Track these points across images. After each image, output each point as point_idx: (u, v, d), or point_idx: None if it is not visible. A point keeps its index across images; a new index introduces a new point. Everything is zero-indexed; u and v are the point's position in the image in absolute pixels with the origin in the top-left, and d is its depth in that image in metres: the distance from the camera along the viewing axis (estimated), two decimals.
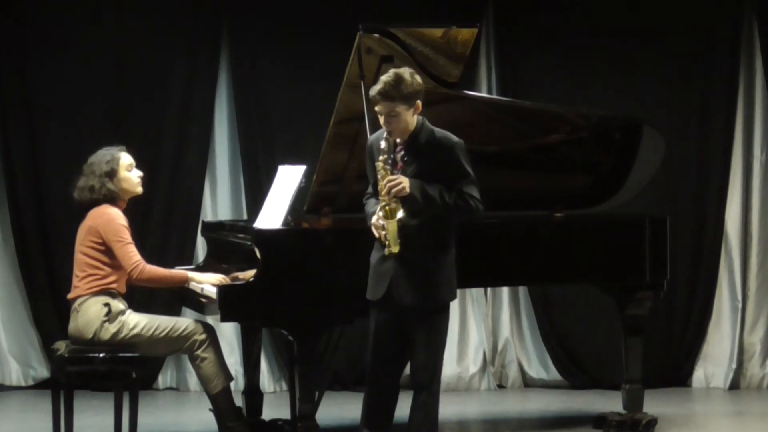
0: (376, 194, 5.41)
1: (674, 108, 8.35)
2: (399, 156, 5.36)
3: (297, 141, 7.94)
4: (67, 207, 8.01)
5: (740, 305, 8.36)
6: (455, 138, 5.36)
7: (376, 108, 5.29)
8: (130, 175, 6.14)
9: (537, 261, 6.50)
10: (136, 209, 6.50)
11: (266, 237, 5.84)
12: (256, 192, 8.00)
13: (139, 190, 6.19)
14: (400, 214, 5.23)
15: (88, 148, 7.89)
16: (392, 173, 5.29)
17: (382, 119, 5.30)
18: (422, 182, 5.26)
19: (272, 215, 6.06)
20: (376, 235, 5.31)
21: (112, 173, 6.09)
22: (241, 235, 6.28)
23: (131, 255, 5.96)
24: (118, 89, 8.19)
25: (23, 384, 8.27)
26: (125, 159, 6.14)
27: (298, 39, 8.20)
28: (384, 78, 5.27)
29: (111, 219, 6.01)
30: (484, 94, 8.16)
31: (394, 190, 5.23)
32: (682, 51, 8.37)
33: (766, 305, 8.43)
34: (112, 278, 6.01)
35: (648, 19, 8.33)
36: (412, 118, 5.31)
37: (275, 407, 7.11)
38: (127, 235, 5.98)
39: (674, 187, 8.27)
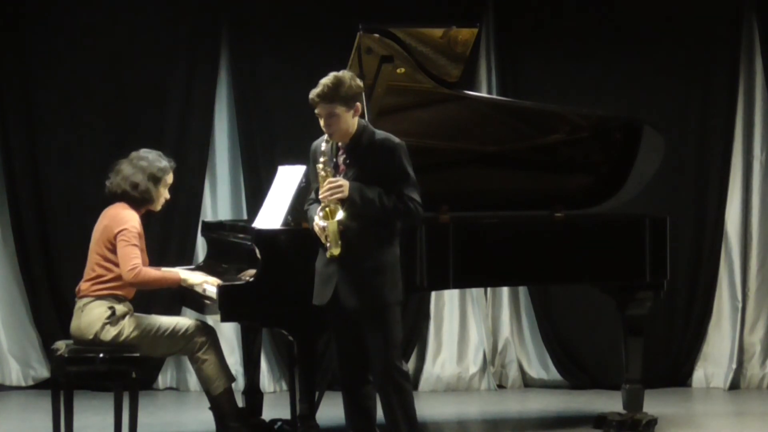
0: (318, 198, 5.42)
1: (674, 108, 8.34)
2: (341, 159, 5.38)
3: (297, 141, 7.91)
4: (67, 207, 8.10)
5: (740, 305, 8.36)
6: (397, 140, 5.37)
7: (316, 111, 5.32)
8: (164, 192, 6.16)
9: (537, 261, 6.50)
10: None
11: (266, 237, 5.84)
12: (256, 192, 8.00)
13: (159, 208, 6.23)
14: (340, 215, 5.24)
15: (88, 148, 7.99)
16: (334, 176, 5.32)
17: (322, 122, 5.32)
18: (362, 185, 5.27)
19: (272, 215, 6.06)
20: (320, 237, 5.32)
21: (157, 180, 6.11)
22: (241, 235, 6.28)
23: (131, 257, 5.95)
24: (118, 89, 8.19)
25: (23, 384, 8.27)
26: (171, 176, 6.20)
27: (298, 39, 8.20)
28: (323, 80, 5.30)
29: (126, 220, 6.02)
30: (484, 94, 8.16)
31: (333, 195, 5.24)
32: (682, 51, 8.36)
33: (766, 305, 8.42)
34: (120, 282, 6.01)
35: (648, 19, 8.33)
36: (352, 121, 5.33)
37: (275, 407, 7.11)
38: (135, 239, 5.98)
39: (674, 187, 8.27)
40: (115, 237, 5.99)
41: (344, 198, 5.25)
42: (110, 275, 6.02)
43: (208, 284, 5.97)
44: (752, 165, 8.42)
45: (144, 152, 6.18)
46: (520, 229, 6.53)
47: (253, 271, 5.88)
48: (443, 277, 6.22)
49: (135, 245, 5.97)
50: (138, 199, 6.09)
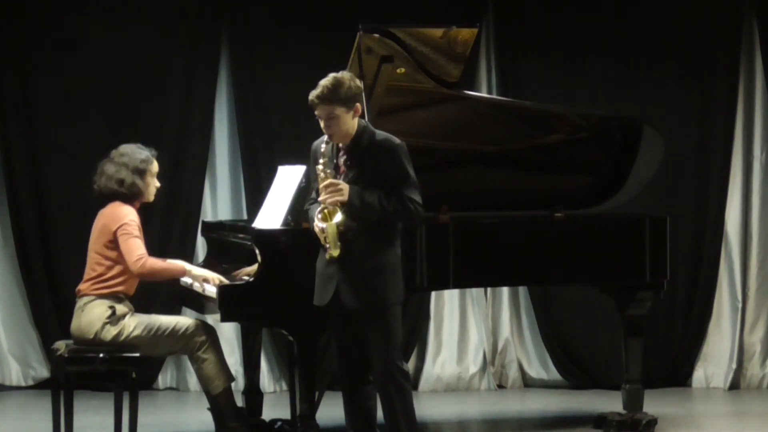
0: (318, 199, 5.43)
1: (674, 108, 8.34)
2: (341, 160, 5.38)
3: (297, 141, 7.92)
4: (67, 207, 8.09)
5: (740, 305, 8.36)
6: (397, 140, 5.36)
7: (316, 112, 5.32)
8: (152, 182, 6.16)
9: (537, 261, 6.50)
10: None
11: (266, 237, 5.85)
12: (256, 192, 8.01)
13: (152, 198, 6.22)
14: (338, 217, 5.24)
15: (88, 148, 7.97)
16: (334, 178, 5.32)
17: (322, 124, 5.32)
18: (361, 189, 5.27)
19: (272, 215, 6.07)
20: (320, 238, 5.32)
21: (143, 172, 6.12)
22: (241, 235, 6.28)
23: (136, 248, 5.96)
24: (118, 89, 8.19)
25: (23, 384, 8.27)
26: (155, 165, 6.19)
27: (297, 39, 8.20)
28: (323, 82, 5.30)
29: (123, 215, 6.03)
30: (484, 94, 8.16)
31: (332, 197, 5.24)
32: (682, 51, 8.36)
33: (766, 305, 8.42)
34: (121, 279, 6.02)
35: (648, 19, 8.33)
36: (352, 122, 5.33)
37: (275, 407, 7.12)
38: (135, 230, 5.99)
39: (674, 187, 8.27)
40: (114, 234, 6.00)
41: (344, 201, 5.26)
42: (110, 273, 6.03)
43: (208, 284, 5.97)
44: (752, 165, 8.43)
45: (123, 148, 6.20)
46: (519, 229, 6.53)
47: (247, 269, 5.89)
48: (443, 277, 6.22)
49: (137, 237, 5.99)
50: (128, 195, 6.10)
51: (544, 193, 6.89)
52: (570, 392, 8.24)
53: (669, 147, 7.02)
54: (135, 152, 6.16)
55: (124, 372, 5.89)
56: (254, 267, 5.85)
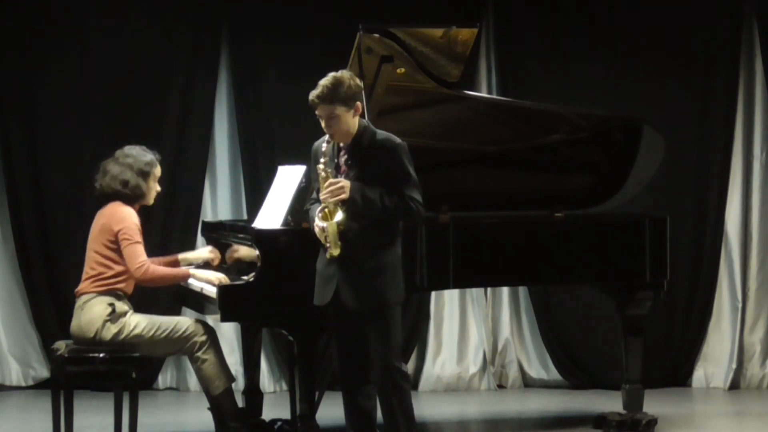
0: (319, 199, 5.43)
1: (674, 108, 8.35)
2: (342, 160, 5.39)
3: (297, 141, 7.92)
4: (67, 207, 8.09)
5: (740, 305, 8.36)
6: (398, 140, 5.37)
7: (316, 112, 5.32)
8: (154, 186, 6.18)
9: (537, 261, 6.50)
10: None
11: (266, 237, 5.85)
12: (256, 192, 8.01)
13: (152, 202, 6.23)
14: (339, 216, 5.24)
15: (88, 148, 7.98)
16: (335, 177, 5.32)
17: (323, 123, 5.33)
18: (363, 186, 5.28)
19: (272, 215, 6.07)
20: (320, 238, 5.33)
21: (147, 175, 6.13)
22: (241, 235, 6.28)
23: (137, 254, 5.96)
24: (118, 89, 8.19)
25: (23, 384, 8.27)
26: (159, 169, 6.20)
27: (298, 39, 8.20)
28: (322, 81, 5.31)
29: (125, 217, 6.03)
30: (484, 94, 8.16)
31: (334, 196, 5.25)
32: (682, 51, 8.37)
33: (766, 305, 8.42)
34: (120, 278, 6.03)
35: (648, 19, 8.33)
36: (352, 121, 5.33)
37: (275, 407, 7.12)
38: (137, 235, 6.00)
39: (674, 187, 8.27)
40: (115, 235, 5.99)
41: (345, 199, 5.26)
42: (110, 272, 6.03)
43: (208, 285, 5.97)
44: (752, 165, 8.43)
45: (128, 149, 6.20)
46: (520, 229, 6.52)
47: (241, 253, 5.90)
48: (443, 277, 6.22)
49: (138, 242, 5.99)
50: (130, 196, 6.11)
51: (544, 193, 6.89)
52: (570, 392, 8.24)
53: (669, 147, 7.03)
54: (140, 154, 6.16)
55: (124, 372, 5.89)
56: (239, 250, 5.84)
